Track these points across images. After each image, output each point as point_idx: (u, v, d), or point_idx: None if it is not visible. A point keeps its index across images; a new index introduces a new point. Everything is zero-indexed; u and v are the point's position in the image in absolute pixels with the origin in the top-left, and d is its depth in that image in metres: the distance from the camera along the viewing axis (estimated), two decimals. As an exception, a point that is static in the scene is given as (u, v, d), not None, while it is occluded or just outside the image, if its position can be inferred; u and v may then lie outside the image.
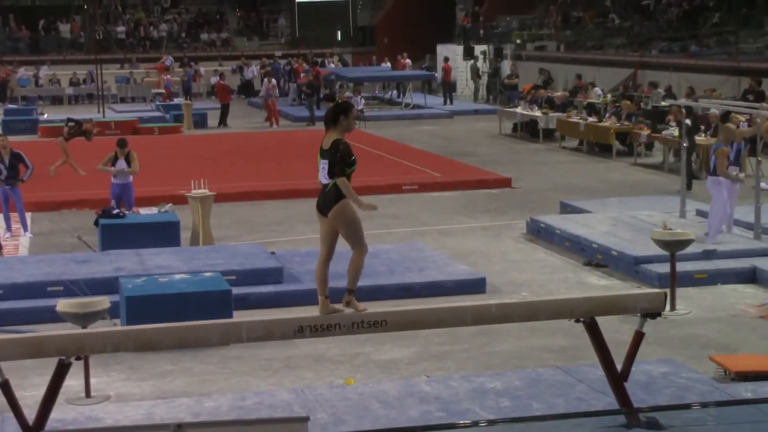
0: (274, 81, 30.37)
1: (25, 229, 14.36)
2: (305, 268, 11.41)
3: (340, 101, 6.70)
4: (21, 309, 10.11)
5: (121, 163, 13.81)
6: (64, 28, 43.13)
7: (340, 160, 6.40)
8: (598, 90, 27.51)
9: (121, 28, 43.50)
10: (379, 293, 10.27)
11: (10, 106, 32.97)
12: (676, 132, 18.86)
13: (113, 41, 42.48)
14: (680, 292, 10.43)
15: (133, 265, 10.98)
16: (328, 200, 6.46)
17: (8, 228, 14.33)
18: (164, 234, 12.48)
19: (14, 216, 14.39)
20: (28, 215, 14.76)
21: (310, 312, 6.49)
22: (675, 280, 10.20)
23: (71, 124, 20.93)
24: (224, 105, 29.37)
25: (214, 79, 38.97)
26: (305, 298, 10.46)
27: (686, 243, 10.25)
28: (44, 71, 38.52)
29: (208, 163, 20.41)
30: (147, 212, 13.40)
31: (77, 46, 42.67)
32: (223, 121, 29.02)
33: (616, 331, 8.92)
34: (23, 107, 32.76)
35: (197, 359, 8.93)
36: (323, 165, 6.49)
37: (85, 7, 42.98)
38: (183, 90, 35.00)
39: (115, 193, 13.73)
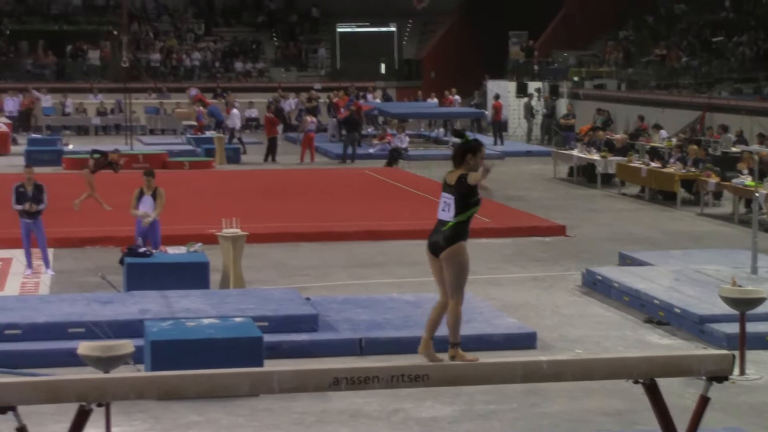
0: (312, 117, 30.80)
1: (47, 266, 14.50)
2: (342, 316, 11.42)
3: (470, 139, 6.77)
4: (40, 351, 10.21)
5: (147, 202, 13.80)
6: (93, 55, 43.79)
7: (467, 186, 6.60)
8: (663, 133, 27.37)
9: (154, 56, 44.16)
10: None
11: (34, 135, 33.47)
12: (747, 180, 18.76)
13: (143, 69, 43.09)
14: (751, 355, 10.31)
15: (159, 308, 11.06)
16: (444, 240, 6.59)
17: (29, 265, 14.48)
18: (192, 275, 12.56)
19: (36, 252, 14.55)
20: (51, 251, 14.90)
21: (347, 363, 6.51)
22: (744, 342, 10.07)
23: (97, 155, 21.22)
24: (271, 138, 29.76)
25: (249, 112, 39.41)
26: (342, 348, 10.51)
27: (757, 301, 10.15)
28: (71, 100, 39.08)
29: (241, 201, 20.55)
30: (175, 252, 13.49)
31: (106, 74, 43.30)
32: (271, 156, 29.41)
33: (680, 395, 8.83)
34: (47, 137, 33.23)
35: (225, 410, 8.95)
36: (446, 200, 6.64)
37: (115, 33, 43.68)
38: (215, 123, 35.27)
39: (141, 231, 13.81)
